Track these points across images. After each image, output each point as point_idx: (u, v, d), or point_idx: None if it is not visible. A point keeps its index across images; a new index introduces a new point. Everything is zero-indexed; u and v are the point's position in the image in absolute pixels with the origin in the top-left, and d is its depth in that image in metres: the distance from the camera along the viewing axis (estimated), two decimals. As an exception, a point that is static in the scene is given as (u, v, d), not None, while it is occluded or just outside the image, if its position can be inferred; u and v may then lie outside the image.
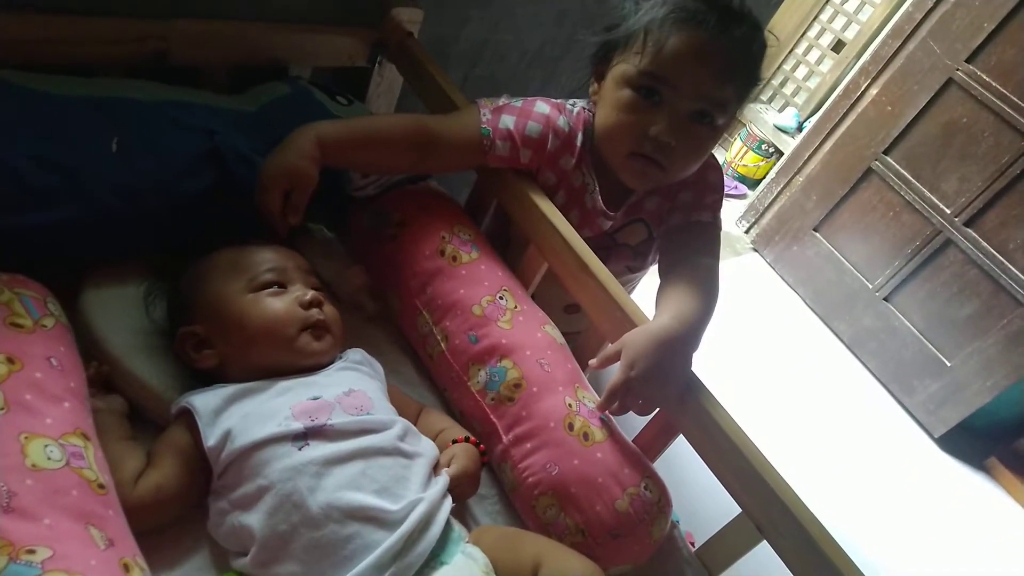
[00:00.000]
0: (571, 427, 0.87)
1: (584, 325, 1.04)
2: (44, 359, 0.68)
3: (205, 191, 0.90)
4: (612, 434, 0.88)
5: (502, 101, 1.02)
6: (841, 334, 2.72)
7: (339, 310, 0.90)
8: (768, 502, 0.80)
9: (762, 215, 2.94)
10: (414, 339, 1.02)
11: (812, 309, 2.81)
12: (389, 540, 0.69)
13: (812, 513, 0.79)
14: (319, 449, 0.73)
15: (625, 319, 0.91)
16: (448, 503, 0.77)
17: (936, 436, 2.45)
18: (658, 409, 0.90)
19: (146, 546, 0.71)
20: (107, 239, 0.85)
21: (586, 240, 1.01)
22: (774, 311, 2.78)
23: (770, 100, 3.36)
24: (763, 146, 3.18)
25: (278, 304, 0.82)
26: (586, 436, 0.87)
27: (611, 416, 0.92)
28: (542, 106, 1.02)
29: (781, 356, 2.56)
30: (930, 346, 2.44)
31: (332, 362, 0.86)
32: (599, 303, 0.95)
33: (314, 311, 0.84)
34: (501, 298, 0.97)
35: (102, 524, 0.62)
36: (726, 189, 3.28)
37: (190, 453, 0.75)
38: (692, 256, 0.99)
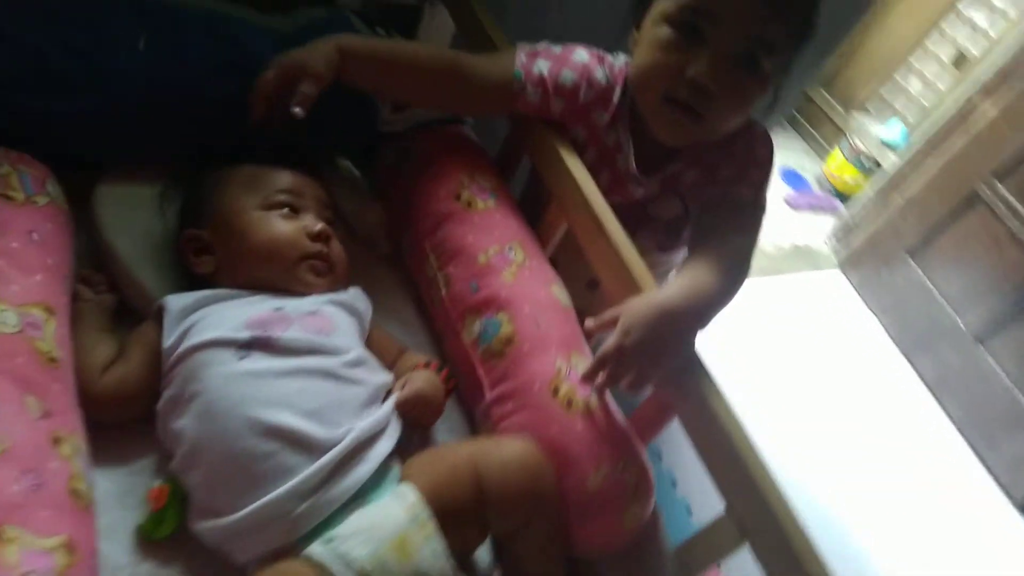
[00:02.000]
0: (556, 391, 0.82)
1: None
2: (25, 232, 0.69)
3: (227, 101, 0.90)
4: (600, 405, 0.82)
5: (541, 46, 0.97)
6: (923, 372, 2.51)
7: (351, 247, 0.88)
8: (753, 502, 0.73)
9: (853, 233, 2.75)
10: (421, 282, 0.99)
11: (894, 340, 2.61)
12: (310, 468, 0.66)
13: (798, 522, 0.70)
14: (259, 362, 0.71)
15: (634, 285, 0.85)
16: (389, 437, 0.72)
17: (1017, 499, 2.23)
18: (650, 387, 0.83)
19: (103, 438, 0.72)
20: (125, 135, 0.87)
21: (614, 208, 0.95)
22: (852, 337, 2.60)
23: (877, 111, 3.15)
24: (864, 160, 2.98)
25: (285, 227, 0.82)
26: (570, 403, 0.81)
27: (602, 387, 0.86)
28: (581, 54, 0.97)
29: (853, 385, 2.39)
30: (1023, 400, 2.22)
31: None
32: (611, 266, 0.88)
33: (319, 244, 0.82)
34: (510, 250, 0.92)
35: (43, 394, 0.62)
36: (818, 202, 3.15)
37: (157, 350, 0.74)
38: (723, 233, 0.90)
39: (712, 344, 2.36)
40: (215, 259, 0.81)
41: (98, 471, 0.71)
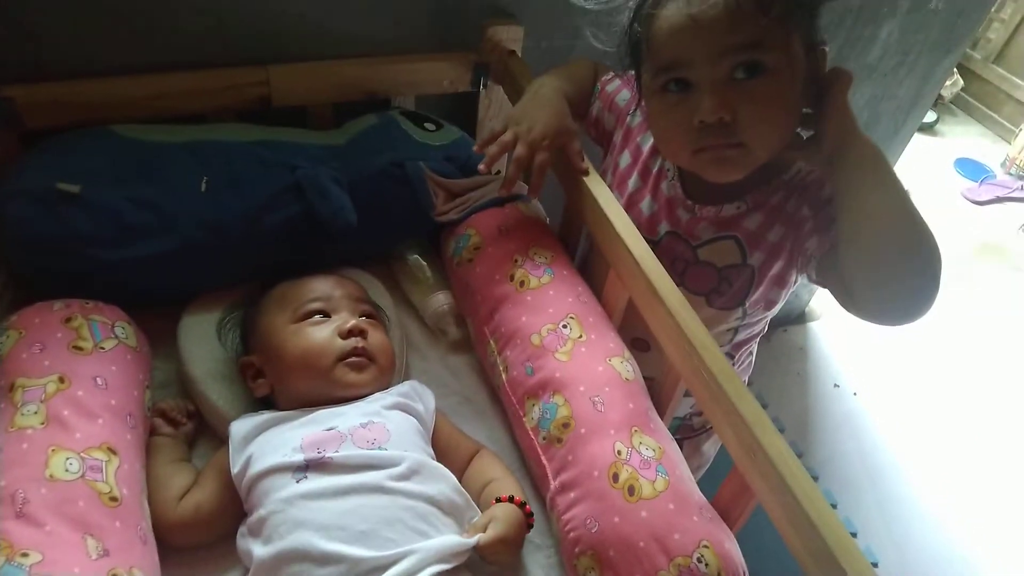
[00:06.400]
0: (615, 478, 0.75)
1: (655, 370, 0.90)
2: (91, 379, 0.76)
3: (288, 223, 0.95)
4: (669, 489, 0.75)
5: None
6: None
7: (424, 337, 0.91)
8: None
9: (1051, 223, 2.36)
10: (486, 368, 0.97)
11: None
12: None
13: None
14: (315, 483, 0.72)
15: (694, 352, 0.77)
16: (445, 564, 0.70)
17: None
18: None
19: (192, 558, 0.77)
20: (198, 271, 0.94)
21: (668, 234, 0.92)
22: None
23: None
24: (1057, 137, 2.57)
25: (317, 334, 0.84)
26: (631, 490, 0.74)
27: (677, 465, 0.78)
28: None
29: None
30: None
31: (375, 392, 0.85)
32: (668, 332, 0.81)
33: (352, 340, 0.84)
34: (565, 326, 0.88)
35: (102, 535, 0.66)
36: (1006, 191, 2.75)
37: (229, 475, 0.78)
38: None
39: (904, 367, 2.15)
40: (268, 382, 0.85)
41: (182, 591, 0.76)
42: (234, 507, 0.77)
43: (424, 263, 1.07)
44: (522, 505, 0.78)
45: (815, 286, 2.15)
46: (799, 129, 0.80)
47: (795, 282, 0.93)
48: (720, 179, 0.84)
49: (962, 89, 3.24)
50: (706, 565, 0.70)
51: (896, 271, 0.71)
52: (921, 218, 0.71)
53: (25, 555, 0.61)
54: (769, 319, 1.02)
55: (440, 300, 1.02)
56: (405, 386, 0.88)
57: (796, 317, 2.30)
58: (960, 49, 1.63)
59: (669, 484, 0.75)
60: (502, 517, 0.76)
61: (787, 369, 2.16)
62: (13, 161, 0.91)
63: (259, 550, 0.70)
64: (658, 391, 0.89)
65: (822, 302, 2.32)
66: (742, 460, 0.72)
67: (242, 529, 0.75)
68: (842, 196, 0.75)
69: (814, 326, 2.29)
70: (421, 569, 0.68)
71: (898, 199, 0.71)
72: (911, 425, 2.05)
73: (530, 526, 0.79)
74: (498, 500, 0.78)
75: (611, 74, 1.02)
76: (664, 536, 0.71)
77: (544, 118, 0.91)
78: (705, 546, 0.71)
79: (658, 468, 0.76)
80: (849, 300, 0.77)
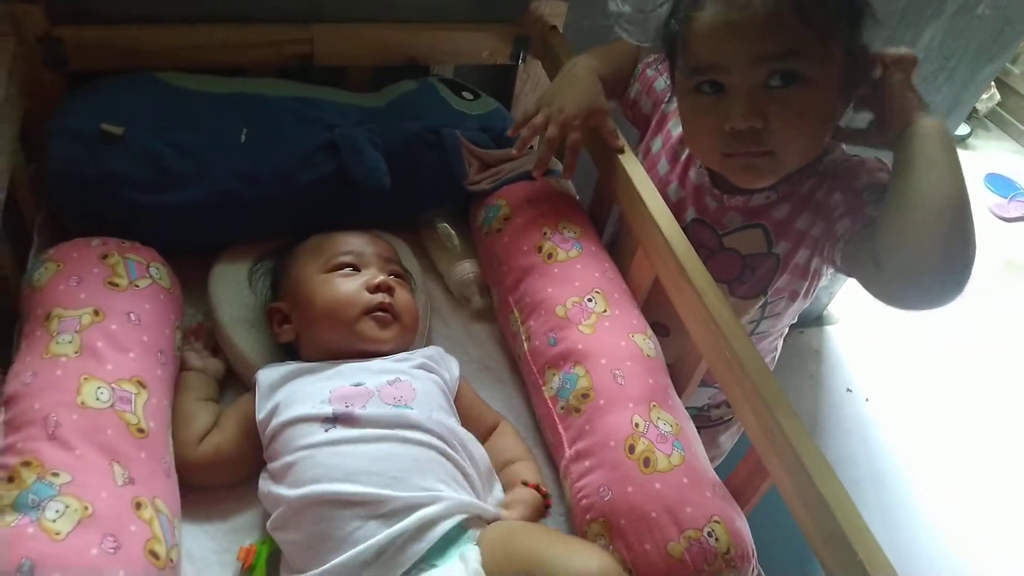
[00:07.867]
0: (631, 449, 0.76)
1: (673, 355, 0.90)
2: (124, 314, 0.77)
3: (322, 180, 0.96)
4: (684, 464, 0.75)
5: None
6: None
7: (448, 303, 0.93)
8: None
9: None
10: (508, 337, 0.98)
11: None
12: (384, 533, 0.67)
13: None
14: (343, 432, 0.73)
15: (718, 334, 0.77)
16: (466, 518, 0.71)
17: None
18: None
19: (210, 497, 0.79)
20: (232, 221, 0.95)
21: (694, 221, 0.93)
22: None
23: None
24: (1092, 157, 2.53)
25: (345, 285, 0.85)
26: (647, 462, 0.75)
27: (693, 442, 0.79)
28: None
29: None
30: None
31: (398, 352, 0.86)
32: (696, 315, 0.81)
33: (379, 295, 0.85)
34: (590, 300, 0.89)
35: (128, 463, 0.68)
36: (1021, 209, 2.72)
37: (252, 421, 0.79)
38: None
39: (918, 377, 2.15)
40: (293, 328, 0.86)
41: (200, 529, 0.77)
42: (254, 453, 0.79)
43: (452, 232, 1.07)
44: (545, 496, 0.80)
45: (835, 289, 2.17)
46: (854, 112, 0.81)
47: (820, 275, 0.92)
48: (748, 185, 0.86)
49: (998, 104, 3.20)
50: (716, 540, 0.71)
51: (941, 246, 0.69)
52: (970, 204, 0.71)
53: (56, 475, 0.63)
54: (793, 316, 1.02)
55: (466, 268, 1.03)
56: (431, 350, 0.89)
57: (813, 320, 2.29)
58: (1003, 58, 1.61)
59: (684, 459, 0.76)
60: (529, 502, 0.77)
61: (801, 370, 2.16)
62: (59, 101, 0.92)
63: (286, 492, 0.71)
64: (677, 376, 0.89)
65: (840, 306, 2.31)
66: (759, 440, 0.73)
67: (264, 474, 0.77)
68: (904, 167, 0.73)
69: (831, 329, 2.29)
70: (450, 515, 0.69)
71: (959, 178, 0.71)
72: (920, 435, 2.04)
73: (547, 507, 0.81)
74: (523, 484, 0.80)
75: (652, 58, 1.02)
76: (676, 508, 0.72)
77: (575, 98, 0.91)
78: (716, 521, 0.72)
79: (674, 443, 0.77)
80: (875, 279, 0.75)
